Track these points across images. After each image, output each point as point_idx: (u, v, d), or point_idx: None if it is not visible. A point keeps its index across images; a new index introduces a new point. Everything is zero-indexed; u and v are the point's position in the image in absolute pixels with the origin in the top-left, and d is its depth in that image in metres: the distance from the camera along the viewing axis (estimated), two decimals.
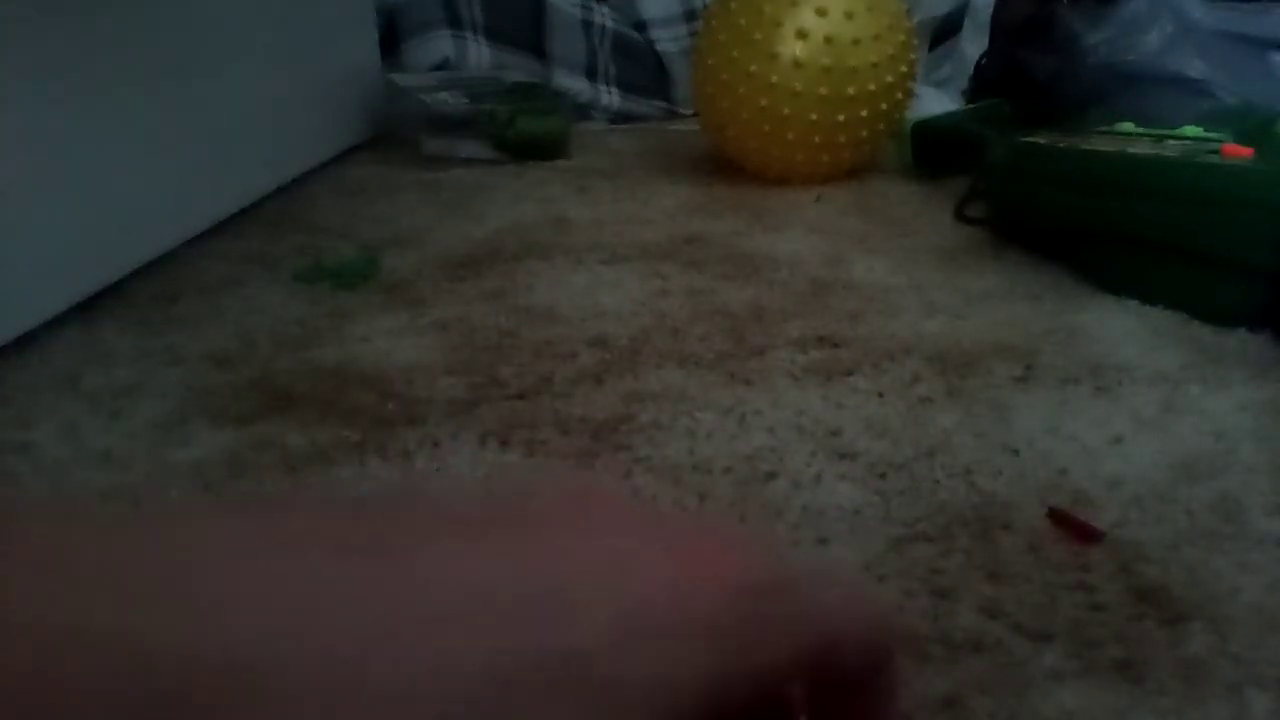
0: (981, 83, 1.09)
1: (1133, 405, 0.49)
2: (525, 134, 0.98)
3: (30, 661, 0.12)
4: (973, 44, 1.25)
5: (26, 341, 0.56)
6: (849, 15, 0.85)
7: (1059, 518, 0.39)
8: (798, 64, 0.84)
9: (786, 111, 0.86)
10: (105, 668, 0.13)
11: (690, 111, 1.18)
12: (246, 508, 0.16)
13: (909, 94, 0.93)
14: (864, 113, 0.87)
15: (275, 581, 0.14)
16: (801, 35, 0.84)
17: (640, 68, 1.24)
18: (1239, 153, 0.60)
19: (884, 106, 0.89)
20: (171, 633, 0.13)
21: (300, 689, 0.13)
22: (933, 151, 0.92)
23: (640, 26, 1.26)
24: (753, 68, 0.86)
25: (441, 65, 1.14)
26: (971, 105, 1.05)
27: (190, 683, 0.13)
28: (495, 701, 0.14)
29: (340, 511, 0.17)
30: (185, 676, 0.13)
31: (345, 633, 0.14)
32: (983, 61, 1.11)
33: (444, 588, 0.15)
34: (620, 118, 1.22)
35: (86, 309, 0.61)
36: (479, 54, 1.16)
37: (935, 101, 1.10)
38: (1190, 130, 0.69)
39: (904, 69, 0.89)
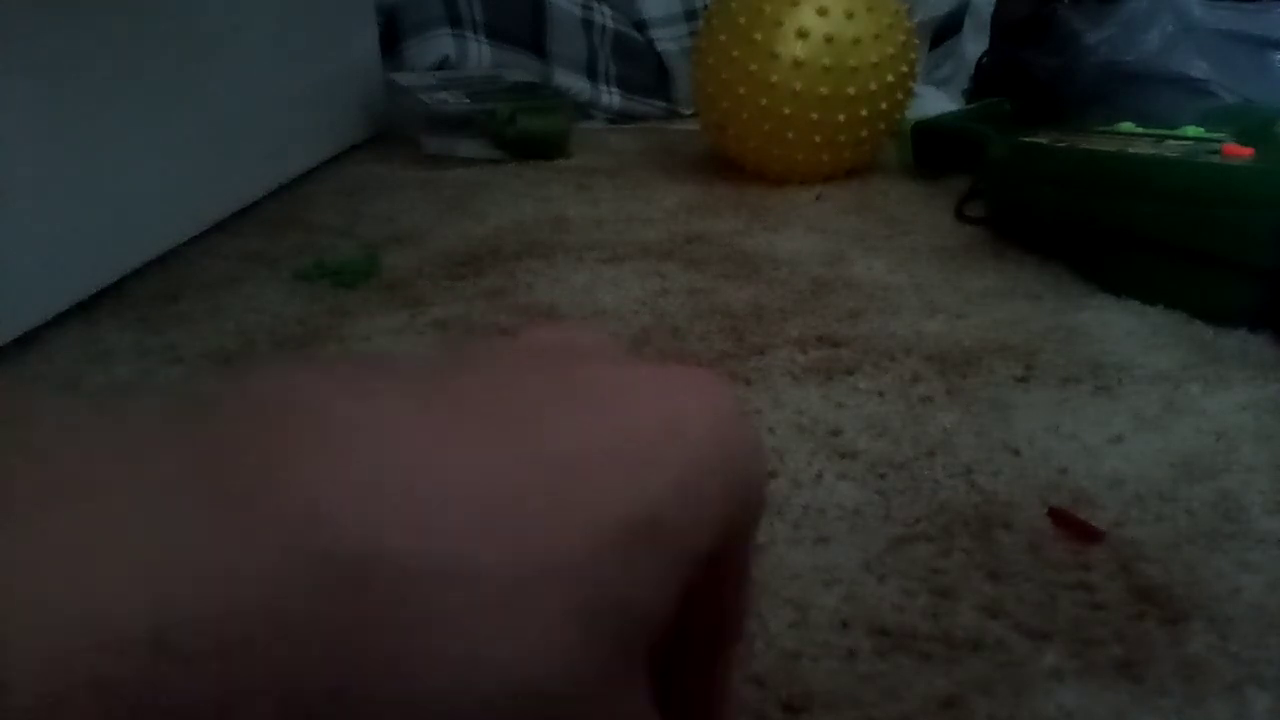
0: (982, 82, 1.10)
1: (1133, 404, 0.49)
2: (525, 133, 0.98)
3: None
4: (973, 43, 1.25)
5: (27, 341, 0.56)
6: (849, 15, 0.85)
7: (1059, 517, 0.39)
8: (798, 63, 0.84)
9: (786, 111, 0.86)
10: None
11: (690, 111, 1.19)
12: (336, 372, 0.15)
13: (909, 93, 0.93)
14: (864, 112, 0.87)
15: (429, 451, 0.14)
16: (802, 35, 0.84)
17: (640, 67, 1.24)
18: (1239, 152, 0.60)
19: (884, 106, 0.89)
20: (354, 527, 0.12)
21: (481, 564, 0.13)
22: (933, 151, 0.92)
23: (640, 26, 1.26)
24: (753, 67, 0.86)
25: (442, 64, 1.14)
26: (972, 105, 1.05)
27: (374, 576, 0.12)
28: (620, 559, 0.14)
29: (418, 378, 0.16)
30: (369, 570, 0.12)
31: (503, 506, 0.14)
32: (983, 61, 1.11)
33: (558, 449, 0.15)
34: (620, 117, 1.22)
35: (87, 308, 0.61)
36: (479, 53, 1.16)
37: (936, 101, 1.10)
38: (1191, 130, 0.69)
39: (904, 68, 0.89)
